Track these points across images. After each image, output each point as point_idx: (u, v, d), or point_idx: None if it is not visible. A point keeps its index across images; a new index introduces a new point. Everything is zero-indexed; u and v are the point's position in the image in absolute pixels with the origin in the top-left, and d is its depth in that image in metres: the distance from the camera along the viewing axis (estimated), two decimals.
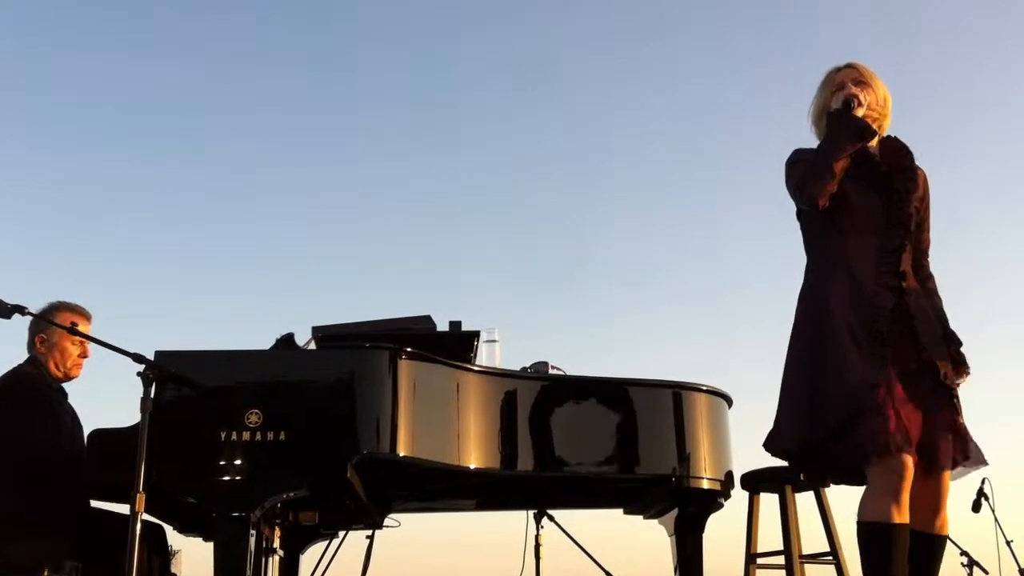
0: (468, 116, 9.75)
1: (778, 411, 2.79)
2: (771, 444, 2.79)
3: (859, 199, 2.75)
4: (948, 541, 2.69)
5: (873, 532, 2.52)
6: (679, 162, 9.51)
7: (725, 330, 9.21)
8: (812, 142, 2.90)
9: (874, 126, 2.80)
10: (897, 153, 2.86)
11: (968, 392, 2.76)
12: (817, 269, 2.84)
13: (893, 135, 2.92)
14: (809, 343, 2.74)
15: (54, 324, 3.41)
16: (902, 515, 2.50)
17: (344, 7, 9.60)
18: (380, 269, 9.49)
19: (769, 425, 2.83)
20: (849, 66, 2.89)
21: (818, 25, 9.34)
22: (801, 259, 2.98)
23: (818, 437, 2.61)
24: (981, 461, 2.68)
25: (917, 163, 2.87)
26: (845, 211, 2.75)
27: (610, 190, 9.76)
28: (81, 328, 3.45)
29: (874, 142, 2.85)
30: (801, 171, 2.77)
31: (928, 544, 2.63)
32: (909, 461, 2.49)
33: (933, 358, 2.65)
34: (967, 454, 2.63)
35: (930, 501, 2.62)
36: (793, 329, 2.83)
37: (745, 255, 9.31)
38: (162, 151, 9.43)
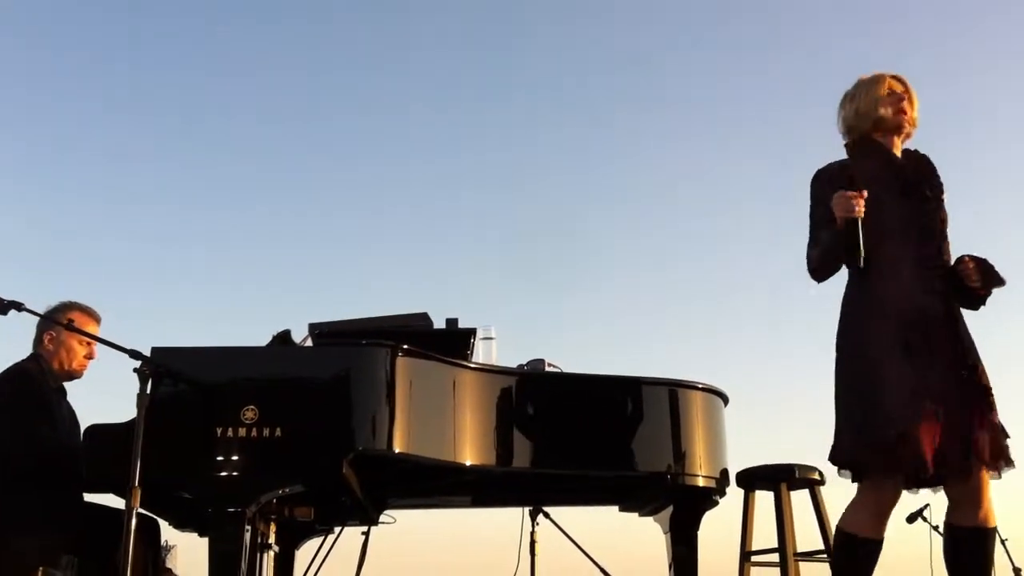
0: (467, 115, 9.76)
1: (835, 424, 2.83)
2: (833, 458, 2.83)
3: (893, 206, 2.81)
4: (996, 532, 2.76)
5: (846, 541, 2.72)
6: (680, 161, 9.51)
7: (720, 329, 9.22)
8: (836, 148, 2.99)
9: (909, 132, 2.95)
10: (921, 162, 2.95)
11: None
12: (857, 279, 2.85)
13: (915, 148, 2.99)
14: (850, 355, 2.79)
15: (61, 325, 3.46)
16: (877, 531, 2.70)
17: (340, 6, 9.61)
18: (376, 267, 9.49)
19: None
20: (898, 79, 2.95)
21: (816, 19, 9.36)
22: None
23: (867, 450, 2.68)
24: (1009, 463, 2.73)
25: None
26: (880, 218, 2.78)
27: (607, 188, 9.77)
28: (89, 330, 3.50)
29: (896, 151, 2.94)
30: (814, 261, 2.89)
31: (975, 536, 2.71)
32: (899, 488, 2.67)
33: (976, 361, 2.72)
34: (1004, 454, 2.70)
35: (971, 497, 2.70)
36: (837, 338, 2.86)
37: (744, 254, 9.32)
38: (157, 146, 9.42)
